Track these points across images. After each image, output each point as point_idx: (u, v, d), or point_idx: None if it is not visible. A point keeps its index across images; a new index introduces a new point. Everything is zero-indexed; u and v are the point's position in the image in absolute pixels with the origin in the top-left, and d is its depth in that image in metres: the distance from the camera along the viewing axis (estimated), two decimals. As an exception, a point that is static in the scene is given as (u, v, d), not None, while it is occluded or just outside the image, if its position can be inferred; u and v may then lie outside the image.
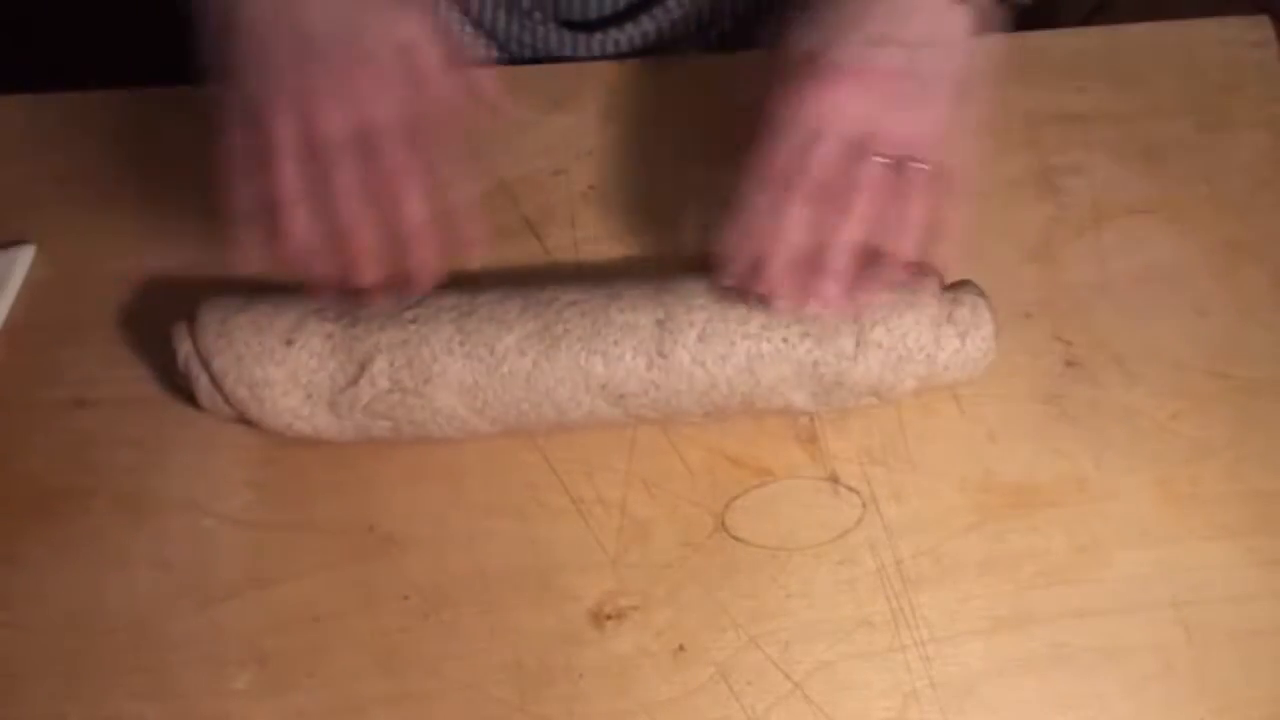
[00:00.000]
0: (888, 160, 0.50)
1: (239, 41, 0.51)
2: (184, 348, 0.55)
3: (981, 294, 0.55)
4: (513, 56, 0.72)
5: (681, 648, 0.53)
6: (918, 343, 0.53)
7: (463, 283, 0.59)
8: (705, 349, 0.53)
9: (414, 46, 0.51)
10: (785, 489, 0.56)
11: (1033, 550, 0.54)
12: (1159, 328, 0.59)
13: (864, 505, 0.55)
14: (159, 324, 0.60)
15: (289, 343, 0.54)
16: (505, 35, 0.72)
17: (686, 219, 0.63)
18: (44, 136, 0.66)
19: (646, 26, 0.70)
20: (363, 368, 0.53)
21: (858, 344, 0.53)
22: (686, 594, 0.54)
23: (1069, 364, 0.58)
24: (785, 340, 0.53)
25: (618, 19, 0.71)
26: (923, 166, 0.50)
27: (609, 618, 0.53)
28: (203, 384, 0.55)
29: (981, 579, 0.54)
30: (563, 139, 0.65)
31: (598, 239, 0.61)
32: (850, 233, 0.50)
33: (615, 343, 0.53)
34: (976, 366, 0.55)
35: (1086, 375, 0.58)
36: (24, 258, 0.62)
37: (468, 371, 0.53)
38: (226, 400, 0.55)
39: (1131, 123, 0.65)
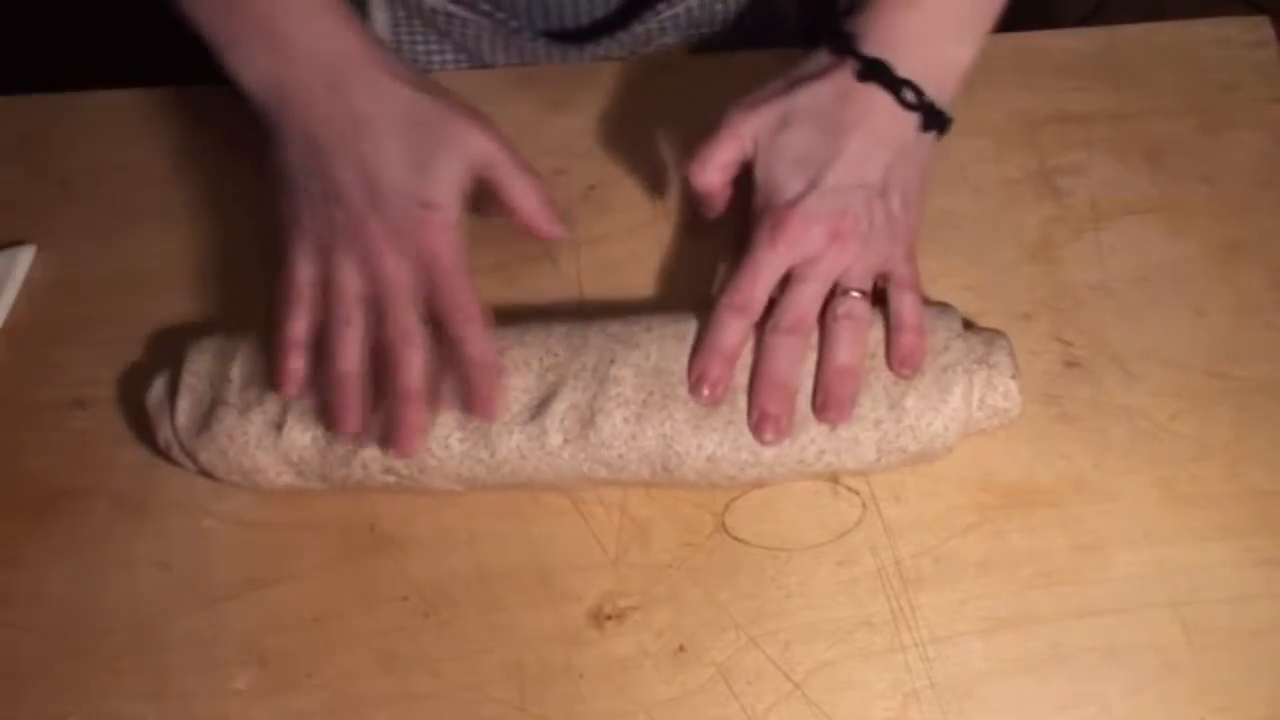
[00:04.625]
0: (862, 293, 0.53)
1: (278, 163, 0.55)
2: (164, 433, 0.54)
3: (1015, 373, 0.53)
4: None
5: (681, 648, 0.53)
6: (945, 445, 0.53)
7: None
8: (713, 469, 0.53)
9: (435, 202, 0.53)
10: (785, 489, 0.56)
11: (1033, 550, 0.54)
12: (1159, 328, 0.59)
13: (864, 505, 0.55)
14: (159, 324, 0.61)
15: (278, 426, 0.53)
16: (491, 58, 0.71)
17: (687, 221, 0.63)
18: (44, 136, 0.66)
19: (636, 32, 0.69)
20: (354, 451, 0.53)
21: (879, 454, 0.53)
22: (686, 594, 0.54)
23: (1069, 364, 0.58)
24: (801, 461, 0.52)
25: (607, 27, 0.70)
26: (901, 288, 0.54)
27: (609, 618, 0.53)
28: (190, 467, 0.55)
29: (981, 579, 0.54)
30: (563, 139, 0.65)
31: (598, 240, 0.61)
32: (845, 358, 0.52)
33: (620, 455, 0.52)
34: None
35: (1086, 375, 0.58)
36: (24, 258, 0.62)
37: (465, 468, 0.53)
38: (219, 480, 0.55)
39: (1131, 123, 0.65)
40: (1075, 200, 0.63)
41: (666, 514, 0.55)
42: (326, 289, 0.53)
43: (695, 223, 0.62)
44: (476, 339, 0.52)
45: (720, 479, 0.53)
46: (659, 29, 0.70)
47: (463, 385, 0.52)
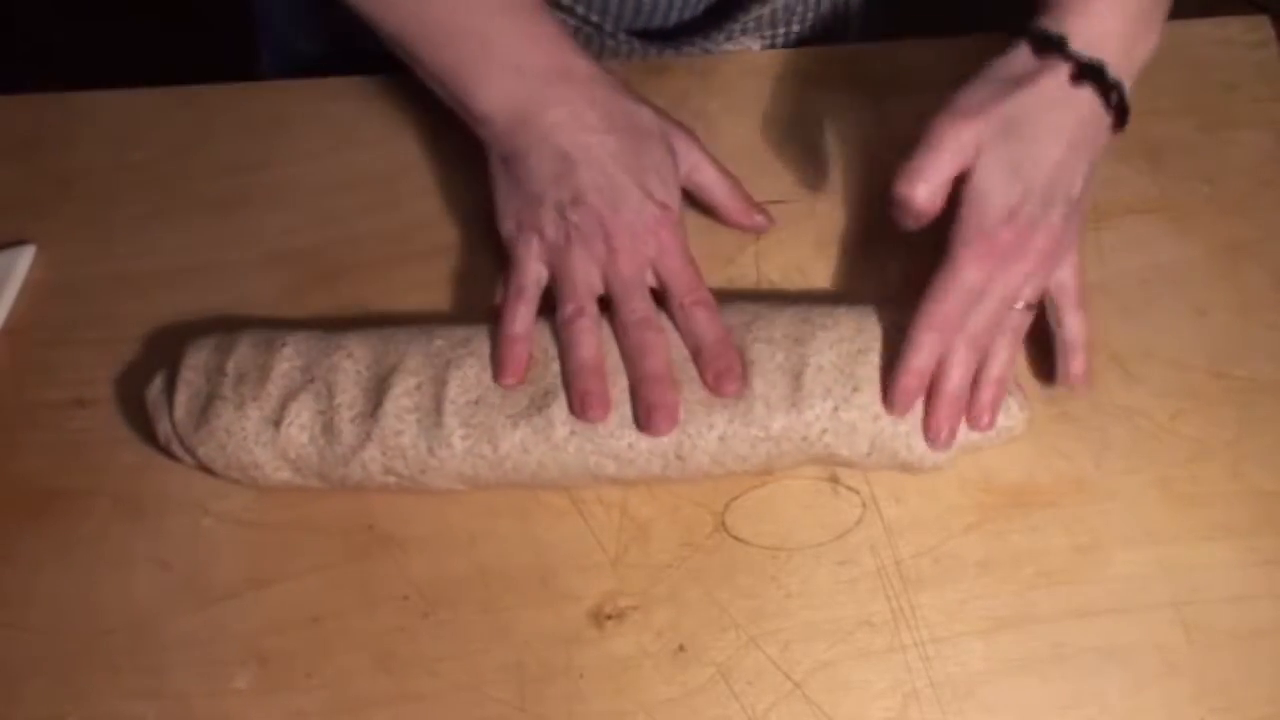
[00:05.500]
0: (1028, 306, 0.54)
1: (520, 177, 0.57)
2: (163, 427, 0.55)
3: (1013, 388, 0.54)
4: None
5: (681, 648, 0.53)
6: (934, 464, 0.54)
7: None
8: (725, 450, 0.53)
9: (668, 204, 0.57)
10: (785, 489, 0.56)
11: (1033, 550, 0.54)
12: (1159, 328, 0.59)
13: (864, 505, 0.55)
14: (158, 324, 0.60)
15: (275, 423, 0.53)
16: None
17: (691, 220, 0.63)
18: (44, 136, 0.66)
19: (718, 36, 0.70)
20: (354, 451, 0.53)
21: (871, 449, 0.53)
22: (686, 594, 0.54)
23: (1069, 364, 0.58)
24: (805, 439, 0.53)
25: (693, 27, 0.70)
26: (1070, 306, 0.55)
27: (609, 618, 0.53)
28: (190, 462, 0.55)
29: (981, 579, 0.54)
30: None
31: (598, 239, 0.61)
32: (1001, 369, 0.54)
33: (630, 445, 0.52)
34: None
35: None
36: (24, 258, 0.62)
37: (468, 465, 0.53)
38: (219, 476, 0.55)
39: (1132, 122, 0.65)
40: (1075, 200, 0.63)
41: (666, 514, 0.55)
42: (562, 285, 0.56)
43: (701, 221, 0.62)
44: (713, 321, 0.54)
45: (732, 460, 0.53)
46: (741, 29, 0.70)
47: (703, 363, 0.53)
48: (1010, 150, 0.52)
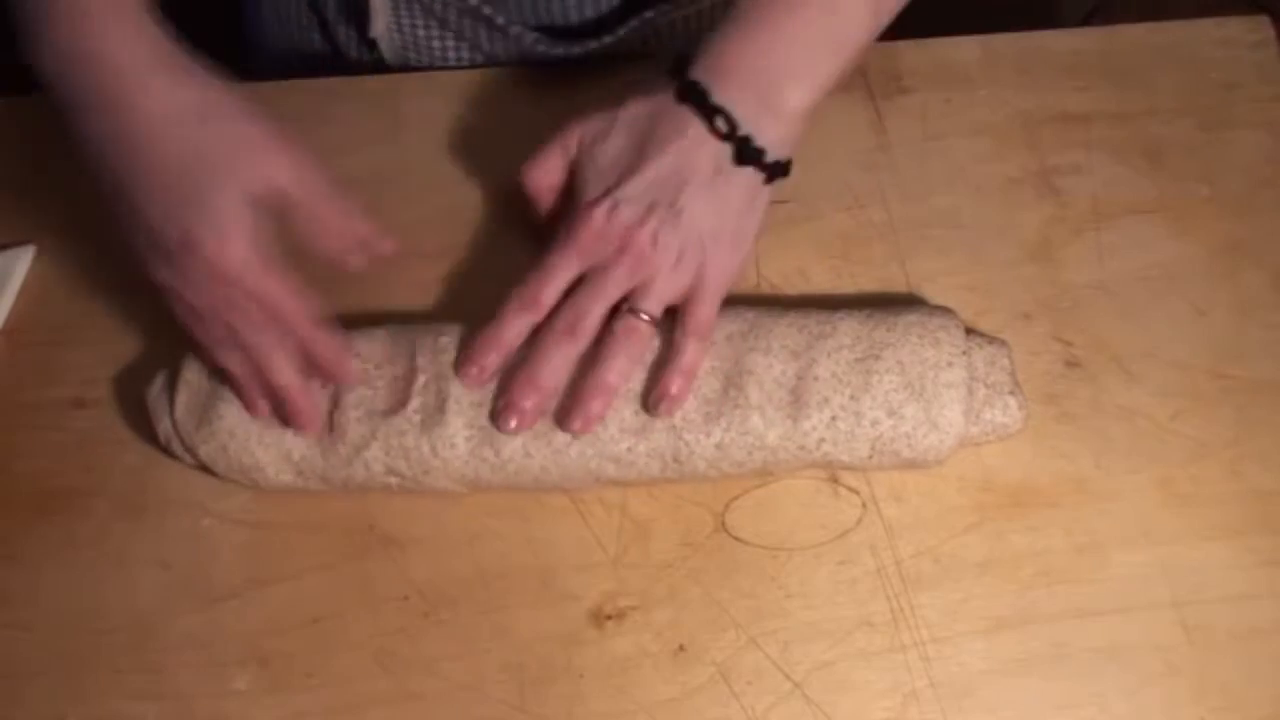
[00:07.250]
0: (651, 317, 0.53)
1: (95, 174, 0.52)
2: (164, 426, 0.55)
3: (1015, 389, 0.54)
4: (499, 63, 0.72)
5: (681, 648, 0.53)
6: (937, 458, 0.53)
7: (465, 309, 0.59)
8: (722, 456, 0.53)
9: (202, 236, 0.50)
10: (785, 489, 0.56)
11: (1033, 550, 0.54)
12: (1159, 328, 0.59)
13: (864, 505, 0.55)
14: (159, 324, 0.60)
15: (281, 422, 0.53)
16: (490, 47, 0.71)
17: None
18: (44, 136, 0.66)
19: (625, 34, 0.69)
20: (357, 450, 0.53)
21: (872, 452, 0.53)
22: (686, 594, 0.54)
23: (1069, 364, 0.58)
24: (802, 448, 0.53)
25: (596, 28, 0.70)
26: (687, 334, 0.53)
27: (609, 618, 0.53)
28: (189, 461, 0.55)
29: (981, 579, 0.54)
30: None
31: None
32: (613, 375, 0.52)
33: (629, 449, 0.52)
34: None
35: (1086, 375, 0.58)
36: (24, 258, 0.62)
37: (470, 469, 0.53)
38: (220, 477, 0.55)
39: (1131, 123, 0.65)
40: (1075, 200, 0.63)
41: (666, 514, 0.55)
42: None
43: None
44: (307, 328, 0.52)
45: (729, 466, 0.53)
46: (654, 33, 0.70)
47: (319, 372, 0.53)
48: (606, 148, 0.54)
